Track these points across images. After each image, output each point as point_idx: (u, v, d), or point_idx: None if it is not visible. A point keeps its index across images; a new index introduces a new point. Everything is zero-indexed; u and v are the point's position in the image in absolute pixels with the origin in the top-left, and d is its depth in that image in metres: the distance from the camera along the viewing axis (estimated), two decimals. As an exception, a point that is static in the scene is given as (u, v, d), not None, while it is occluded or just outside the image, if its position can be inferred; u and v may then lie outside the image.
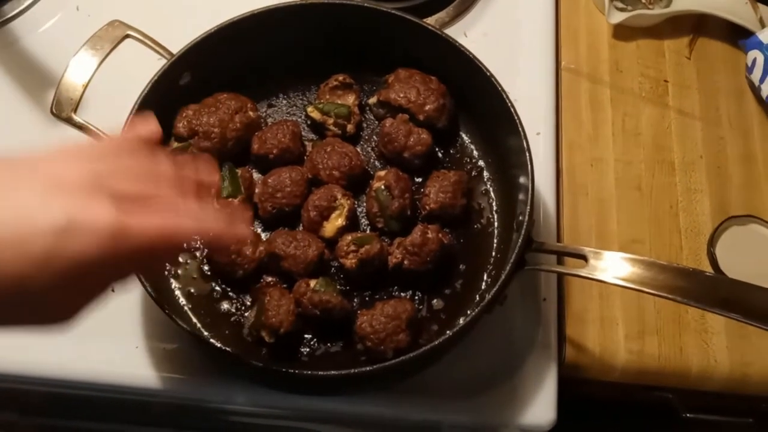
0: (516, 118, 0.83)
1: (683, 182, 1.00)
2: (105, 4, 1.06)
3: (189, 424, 1.00)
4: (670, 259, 0.93)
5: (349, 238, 0.83)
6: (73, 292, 0.53)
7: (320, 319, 0.80)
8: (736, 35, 1.08)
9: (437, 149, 0.93)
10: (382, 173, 0.88)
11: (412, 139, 0.89)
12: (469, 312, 0.83)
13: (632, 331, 0.90)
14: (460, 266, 0.87)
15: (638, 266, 0.73)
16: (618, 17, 1.08)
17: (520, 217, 0.81)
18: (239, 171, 0.88)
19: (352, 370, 0.74)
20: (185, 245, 0.57)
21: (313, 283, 0.81)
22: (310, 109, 0.94)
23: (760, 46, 1.03)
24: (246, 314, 0.84)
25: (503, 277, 0.77)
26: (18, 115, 1.00)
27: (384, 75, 0.94)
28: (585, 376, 0.91)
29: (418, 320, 0.83)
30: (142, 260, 0.55)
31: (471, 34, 1.08)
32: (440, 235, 0.84)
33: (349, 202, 0.86)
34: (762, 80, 1.03)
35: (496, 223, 0.90)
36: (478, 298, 0.85)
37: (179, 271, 0.86)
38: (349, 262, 0.83)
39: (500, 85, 0.86)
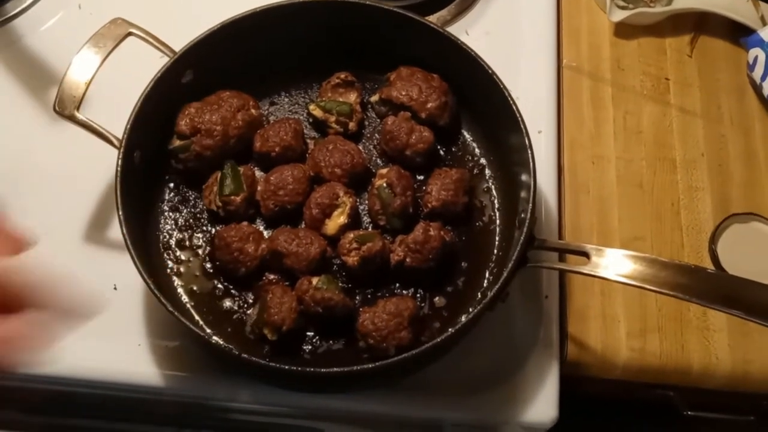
0: (518, 115, 0.83)
1: (685, 180, 1.00)
2: (106, 2, 1.05)
3: (191, 423, 1.00)
4: (671, 257, 0.93)
5: (351, 235, 0.83)
6: None
7: (322, 317, 0.80)
8: (738, 33, 1.09)
9: (439, 147, 0.93)
10: (384, 171, 0.88)
11: (414, 137, 0.89)
12: (471, 309, 0.83)
13: (634, 329, 0.90)
14: (462, 264, 0.87)
15: (640, 263, 0.74)
16: (619, 15, 1.08)
17: (522, 215, 0.81)
18: (241, 169, 0.88)
19: (355, 368, 0.74)
20: None
21: (315, 280, 0.81)
22: (312, 107, 0.94)
23: (761, 43, 1.03)
24: (248, 312, 0.84)
25: (505, 274, 0.77)
26: (20, 113, 1.00)
27: (386, 73, 0.94)
28: (587, 374, 0.91)
29: (420, 318, 0.83)
30: None
31: (472, 32, 1.08)
32: (442, 232, 0.84)
33: (351, 199, 0.86)
34: (763, 78, 1.03)
35: (497, 221, 0.90)
36: (480, 296, 0.85)
37: (182, 269, 0.86)
38: (351, 259, 0.83)
39: (502, 83, 0.86)
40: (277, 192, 0.87)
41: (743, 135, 1.04)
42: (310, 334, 0.83)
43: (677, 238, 0.96)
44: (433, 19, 1.06)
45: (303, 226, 0.87)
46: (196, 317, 0.84)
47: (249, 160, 0.91)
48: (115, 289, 0.89)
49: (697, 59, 1.09)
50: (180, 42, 0.88)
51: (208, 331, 0.83)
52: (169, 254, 0.87)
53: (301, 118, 0.95)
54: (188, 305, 0.85)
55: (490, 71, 0.87)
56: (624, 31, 1.10)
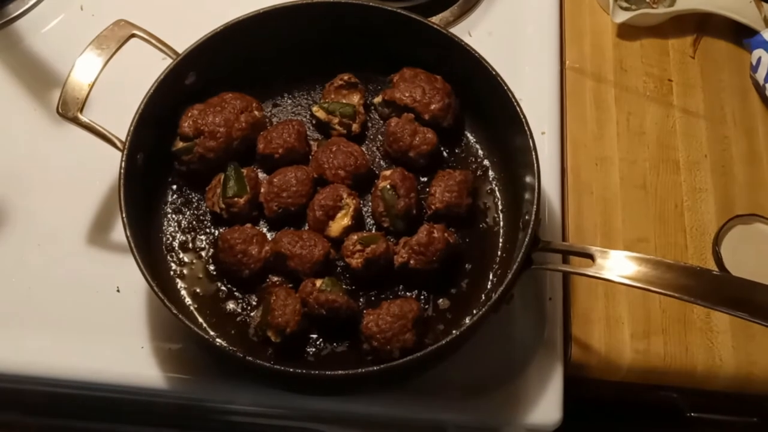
0: (522, 117, 0.83)
1: (688, 181, 1.00)
2: (108, 4, 1.06)
3: (193, 425, 1.00)
4: (675, 258, 0.93)
5: (355, 237, 0.83)
6: None
7: (326, 319, 0.80)
8: (741, 34, 1.09)
9: (442, 149, 0.93)
10: (387, 173, 0.88)
11: (417, 139, 0.89)
12: (475, 311, 0.83)
13: (638, 331, 0.90)
14: (466, 266, 0.87)
15: (645, 265, 0.73)
16: (622, 16, 1.08)
17: (527, 216, 0.81)
18: (245, 171, 0.88)
19: (359, 370, 0.74)
20: None
21: (319, 282, 0.81)
22: (315, 108, 0.94)
23: (764, 44, 1.03)
24: (252, 314, 0.84)
25: (510, 276, 0.77)
26: (23, 115, 1.00)
27: (389, 74, 0.94)
28: (590, 376, 0.91)
29: (425, 320, 0.83)
30: None
31: (475, 33, 1.08)
32: (446, 234, 0.84)
33: (354, 201, 0.86)
34: (767, 79, 1.03)
35: (501, 223, 0.90)
36: (484, 298, 0.85)
37: (185, 272, 0.86)
38: (355, 261, 0.83)
39: (506, 84, 0.86)
40: (281, 194, 0.87)
41: (746, 136, 1.04)
42: (313, 336, 0.83)
43: (681, 240, 0.96)
44: (435, 20, 1.06)
45: (306, 228, 0.87)
46: (200, 319, 0.84)
47: (252, 162, 0.91)
48: (118, 291, 0.89)
49: (700, 60, 1.09)
50: (183, 44, 0.88)
51: (212, 333, 0.83)
52: (172, 256, 0.87)
53: (305, 119, 0.95)
54: (191, 307, 0.84)
55: (493, 72, 0.87)
56: (627, 32, 1.10)
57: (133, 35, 0.87)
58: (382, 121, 0.95)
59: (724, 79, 1.08)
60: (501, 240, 0.89)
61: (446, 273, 0.85)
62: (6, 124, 1.00)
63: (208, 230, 0.89)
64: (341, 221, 0.86)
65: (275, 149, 0.89)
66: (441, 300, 0.85)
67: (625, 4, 1.09)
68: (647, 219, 0.97)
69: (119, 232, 0.80)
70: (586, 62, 1.07)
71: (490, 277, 0.87)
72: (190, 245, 0.88)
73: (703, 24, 1.11)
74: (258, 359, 0.74)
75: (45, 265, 0.90)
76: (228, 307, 0.84)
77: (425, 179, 0.91)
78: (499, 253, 0.88)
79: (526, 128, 0.83)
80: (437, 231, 0.83)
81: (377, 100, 0.95)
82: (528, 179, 0.83)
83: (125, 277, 0.86)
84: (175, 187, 0.91)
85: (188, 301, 0.85)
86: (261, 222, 0.89)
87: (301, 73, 0.97)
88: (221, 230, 0.87)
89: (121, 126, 0.83)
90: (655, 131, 1.03)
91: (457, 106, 0.93)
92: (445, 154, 0.93)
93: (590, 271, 0.76)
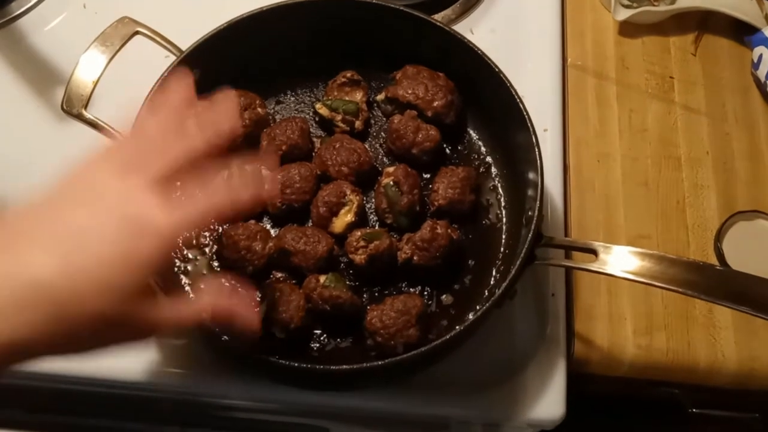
0: (525, 114, 0.84)
1: (690, 178, 1.00)
2: (111, 2, 1.05)
3: (196, 422, 1.00)
4: (677, 255, 0.92)
5: (359, 233, 0.84)
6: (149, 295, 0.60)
7: (330, 315, 0.81)
8: (742, 32, 1.09)
9: (445, 145, 0.93)
10: (390, 169, 0.88)
11: (420, 136, 0.89)
12: (478, 307, 0.83)
13: (640, 327, 0.90)
14: (469, 262, 0.87)
15: (648, 260, 0.74)
16: (624, 14, 1.08)
17: (530, 213, 0.81)
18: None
19: (364, 365, 0.74)
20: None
21: (322, 278, 0.81)
22: (318, 105, 0.94)
23: (765, 42, 1.03)
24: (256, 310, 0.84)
25: (513, 271, 0.77)
26: (26, 112, 1.00)
27: (392, 71, 0.94)
28: (593, 372, 0.91)
29: (428, 315, 0.83)
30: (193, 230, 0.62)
31: (477, 31, 1.08)
32: (449, 230, 0.84)
33: (358, 198, 0.86)
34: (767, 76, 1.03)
35: (504, 219, 0.90)
36: (487, 294, 0.85)
37: (189, 268, 0.86)
38: (359, 257, 0.83)
39: (509, 81, 0.86)
40: (284, 190, 0.87)
41: (748, 133, 1.04)
42: (317, 332, 0.83)
43: (683, 236, 0.96)
44: (438, 17, 1.07)
45: (310, 224, 0.87)
46: (204, 316, 0.84)
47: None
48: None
49: (701, 58, 1.09)
50: (186, 41, 0.88)
51: (216, 329, 0.83)
52: (176, 253, 0.87)
53: (308, 116, 0.95)
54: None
55: (496, 69, 0.87)
56: (628, 29, 1.10)
57: (136, 32, 0.87)
58: (385, 118, 0.95)
59: (726, 76, 1.08)
60: (504, 236, 0.89)
61: (449, 269, 0.86)
62: (10, 121, 1.00)
63: (211, 226, 0.89)
64: (345, 217, 0.86)
65: (279, 146, 0.89)
66: (444, 296, 0.86)
67: (626, 2, 1.09)
68: (649, 215, 0.97)
69: (123, 229, 0.80)
70: (587, 60, 1.08)
71: (493, 273, 0.87)
72: (194, 241, 0.88)
73: (704, 21, 1.11)
74: (262, 355, 0.75)
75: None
76: (232, 303, 0.85)
77: (428, 176, 0.91)
78: (502, 249, 0.89)
79: (529, 125, 0.83)
80: (440, 227, 0.83)
81: (380, 97, 0.95)
82: (531, 176, 0.83)
83: (129, 274, 0.86)
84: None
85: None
86: (265, 218, 0.89)
87: (304, 71, 0.97)
88: (225, 227, 0.87)
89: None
90: (656, 128, 1.03)
91: (460, 103, 0.93)
92: (447, 150, 0.94)
93: (593, 267, 0.76)
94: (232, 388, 0.85)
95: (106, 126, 0.84)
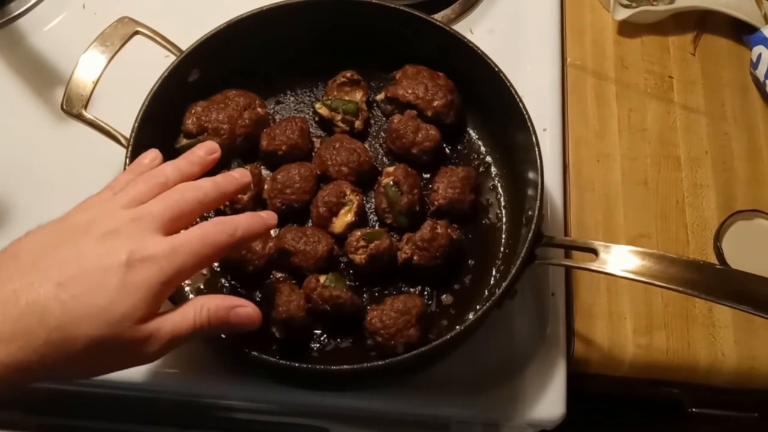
0: (525, 113, 0.84)
1: (689, 177, 1.00)
2: (111, 2, 1.05)
3: (195, 422, 1.00)
4: (677, 254, 0.93)
5: (359, 233, 0.84)
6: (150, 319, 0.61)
7: (330, 315, 0.80)
8: (741, 31, 1.09)
9: (445, 145, 0.93)
10: (390, 169, 0.88)
11: (420, 135, 0.89)
12: (478, 307, 0.83)
13: (640, 326, 0.91)
14: (469, 261, 0.87)
15: (648, 259, 0.74)
16: (623, 14, 1.08)
17: (530, 212, 0.81)
18: (248, 167, 0.88)
19: (364, 365, 0.74)
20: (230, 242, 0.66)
21: (322, 278, 0.81)
22: (318, 105, 0.94)
23: (764, 41, 1.03)
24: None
25: (514, 271, 0.77)
26: (26, 112, 1.00)
27: (391, 71, 0.94)
28: (593, 371, 0.91)
29: (428, 315, 0.83)
30: (194, 268, 0.63)
31: (477, 30, 1.08)
32: (449, 230, 0.84)
33: (358, 198, 0.86)
34: (767, 75, 1.03)
35: (504, 219, 0.90)
36: (487, 293, 0.85)
37: (189, 268, 0.86)
38: (359, 257, 0.83)
39: (509, 81, 0.86)
40: (284, 190, 0.87)
41: (747, 132, 1.04)
42: (317, 332, 0.83)
43: (682, 236, 0.96)
44: (438, 17, 1.07)
45: (310, 224, 0.87)
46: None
47: (255, 159, 0.91)
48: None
49: (700, 57, 1.09)
50: (186, 41, 0.88)
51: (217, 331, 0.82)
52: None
53: (307, 116, 0.95)
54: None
55: (496, 69, 0.87)
56: (627, 29, 1.10)
57: (136, 32, 0.87)
58: (384, 118, 0.95)
59: (725, 75, 1.08)
60: (504, 236, 0.89)
61: (449, 269, 0.86)
62: (10, 121, 1.00)
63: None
64: (345, 217, 0.86)
65: (278, 146, 0.89)
66: (444, 296, 0.86)
67: (625, 2, 1.10)
68: (649, 215, 0.97)
69: (124, 229, 0.80)
70: (587, 59, 1.08)
71: (493, 272, 0.87)
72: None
73: (703, 21, 1.12)
74: (262, 355, 0.75)
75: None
76: (231, 304, 0.84)
77: (428, 176, 0.91)
78: (502, 248, 0.89)
79: (529, 125, 0.83)
80: (440, 227, 0.83)
81: (380, 97, 0.95)
82: (531, 175, 0.83)
83: (129, 274, 0.86)
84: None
85: (192, 297, 0.85)
86: (265, 218, 0.89)
87: (304, 71, 0.97)
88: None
89: (125, 123, 0.83)
90: (656, 128, 1.03)
91: (460, 102, 0.93)
92: (447, 150, 0.94)
93: (593, 266, 0.76)
94: (232, 388, 0.85)
95: (106, 126, 0.84)
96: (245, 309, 0.66)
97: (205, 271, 0.86)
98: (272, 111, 0.96)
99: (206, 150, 0.72)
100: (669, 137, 1.03)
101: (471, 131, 0.95)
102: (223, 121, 0.88)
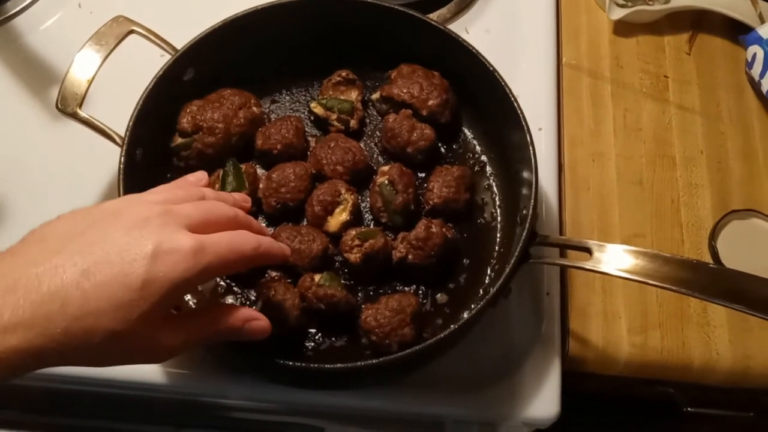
0: (519, 113, 0.84)
1: (684, 177, 1.00)
2: (106, 1, 1.05)
3: (191, 421, 1.00)
4: (671, 253, 0.93)
5: (354, 232, 0.84)
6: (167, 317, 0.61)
7: (325, 314, 0.81)
8: (736, 31, 1.09)
9: (440, 144, 0.93)
10: (385, 168, 0.88)
11: (415, 135, 0.89)
12: (473, 306, 0.83)
13: (635, 325, 0.91)
14: (464, 260, 0.88)
15: (642, 258, 0.74)
16: (618, 13, 1.08)
17: (524, 211, 0.81)
18: (243, 166, 0.88)
19: (359, 363, 0.74)
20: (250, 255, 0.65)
21: (317, 277, 0.81)
22: (313, 104, 0.94)
23: (759, 41, 1.03)
24: (253, 308, 0.84)
25: (508, 269, 0.77)
26: (22, 111, 1.00)
27: (387, 71, 0.94)
28: (588, 370, 0.91)
29: (423, 314, 0.83)
30: (217, 272, 0.62)
31: (472, 30, 1.08)
32: (444, 229, 0.84)
33: (353, 197, 0.86)
34: (762, 75, 1.03)
35: (499, 218, 0.90)
36: (482, 292, 0.85)
37: (184, 267, 0.86)
38: (354, 256, 0.83)
39: (503, 80, 0.86)
40: (279, 189, 0.87)
41: (742, 132, 1.04)
42: (312, 331, 0.83)
43: (677, 235, 0.97)
44: (433, 16, 1.07)
45: (305, 223, 0.87)
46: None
47: (251, 158, 0.91)
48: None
49: (695, 57, 1.10)
50: (181, 40, 0.88)
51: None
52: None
53: (303, 116, 0.95)
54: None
55: (491, 68, 0.87)
56: (623, 29, 1.10)
57: (131, 31, 0.87)
58: (380, 117, 0.95)
59: (720, 75, 1.09)
60: (499, 235, 0.89)
61: (444, 268, 0.86)
62: (5, 120, 1.00)
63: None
64: (339, 216, 0.86)
65: (273, 145, 0.89)
66: (439, 295, 0.86)
67: (621, 2, 1.10)
68: (644, 214, 0.97)
69: (118, 228, 0.80)
70: (582, 59, 1.08)
71: (488, 271, 0.87)
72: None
73: (698, 21, 1.12)
74: (257, 354, 0.75)
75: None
76: (227, 302, 0.85)
77: (423, 175, 0.91)
78: (496, 248, 0.89)
79: (524, 124, 0.83)
80: (435, 226, 0.83)
81: (375, 96, 0.95)
82: (525, 175, 0.83)
83: (124, 273, 0.86)
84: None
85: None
86: (260, 217, 0.89)
87: (299, 70, 0.97)
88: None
89: (119, 121, 0.83)
90: (651, 127, 1.04)
91: (455, 102, 0.93)
92: (442, 149, 0.94)
93: (588, 265, 0.76)
94: (227, 387, 0.85)
95: (100, 125, 0.84)
96: (259, 323, 0.67)
97: (200, 270, 0.86)
98: (267, 110, 0.96)
99: (239, 199, 0.75)
100: (664, 137, 1.03)
101: (466, 130, 0.95)
102: (218, 120, 0.88)
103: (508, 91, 0.85)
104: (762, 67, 1.03)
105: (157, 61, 0.87)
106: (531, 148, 0.82)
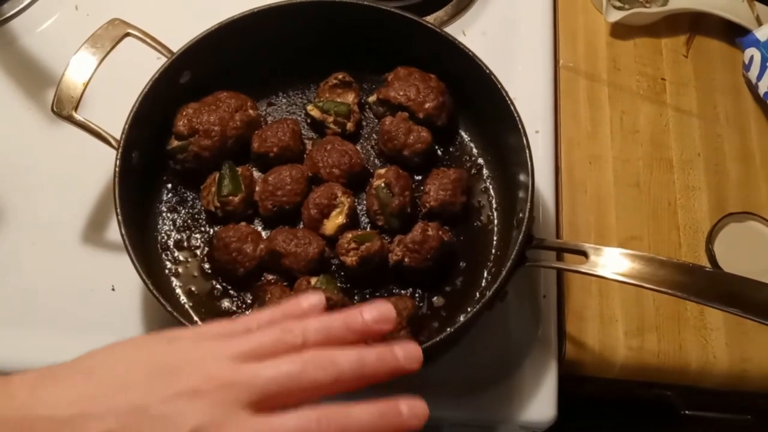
0: (516, 116, 0.84)
1: (681, 179, 1.00)
2: (103, 3, 1.06)
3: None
4: (668, 256, 0.93)
5: (350, 235, 0.83)
6: None
7: (321, 317, 0.80)
8: (733, 33, 1.09)
9: (437, 147, 0.93)
10: (382, 171, 0.88)
11: (411, 137, 0.89)
12: (469, 309, 0.83)
13: (632, 328, 0.90)
14: (461, 263, 0.87)
15: (638, 262, 0.74)
16: (616, 15, 1.08)
17: (520, 215, 0.81)
18: (239, 169, 0.88)
19: (354, 367, 0.74)
20: None
21: (314, 280, 0.81)
22: (309, 107, 0.94)
23: (756, 43, 1.03)
24: (247, 312, 0.84)
25: (504, 273, 0.77)
26: (18, 114, 1.00)
27: (383, 73, 0.94)
28: (585, 373, 0.91)
29: (419, 317, 0.83)
30: None
31: (469, 32, 1.08)
32: (440, 232, 0.84)
33: (349, 200, 0.86)
34: (759, 77, 1.03)
35: (495, 221, 0.90)
36: (478, 295, 0.85)
37: (180, 270, 0.86)
38: (350, 259, 0.83)
39: (500, 83, 0.86)
40: (276, 192, 0.87)
41: (739, 134, 1.04)
42: (308, 334, 0.83)
43: (674, 238, 0.96)
44: (430, 19, 1.07)
45: (301, 226, 0.87)
46: (195, 318, 0.84)
47: (247, 161, 0.91)
48: (113, 289, 0.88)
49: (692, 59, 1.10)
50: (177, 43, 0.88)
51: None
52: (167, 255, 0.87)
53: (299, 118, 0.95)
54: (187, 306, 0.84)
55: (487, 71, 0.87)
56: (620, 31, 1.10)
57: (127, 34, 0.87)
58: (376, 120, 0.95)
59: (717, 77, 1.08)
60: (495, 238, 0.89)
61: (441, 271, 0.86)
62: (0, 122, 1.00)
63: (203, 229, 0.89)
64: (336, 219, 0.86)
65: (270, 148, 0.89)
66: (435, 298, 0.86)
67: (618, 4, 1.10)
68: (641, 217, 0.97)
69: (114, 231, 0.80)
70: (579, 61, 1.08)
71: (485, 274, 0.87)
72: (185, 244, 0.88)
73: (695, 23, 1.12)
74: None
75: (39, 263, 0.90)
76: (223, 305, 0.84)
77: (419, 178, 0.91)
78: (493, 251, 0.89)
79: (520, 127, 0.83)
80: (431, 229, 0.83)
81: (372, 98, 0.95)
82: (522, 177, 0.83)
83: (120, 276, 0.86)
84: (170, 185, 0.91)
85: (183, 299, 0.85)
86: (256, 220, 0.89)
87: (296, 72, 0.97)
88: (216, 229, 0.87)
89: (115, 125, 0.83)
90: (648, 130, 1.03)
91: (452, 104, 0.93)
92: (439, 152, 0.94)
93: (584, 268, 0.76)
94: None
95: (96, 128, 0.84)
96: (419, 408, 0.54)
97: (195, 273, 0.86)
98: (264, 113, 0.96)
99: (375, 318, 0.55)
100: (661, 139, 1.03)
101: (463, 133, 0.95)
102: (214, 123, 0.88)
103: (504, 94, 0.85)
104: (759, 69, 1.03)
105: (153, 63, 0.87)
106: (527, 151, 0.82)
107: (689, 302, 0.89)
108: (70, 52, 0.85)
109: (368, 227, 0.89)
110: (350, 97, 0.94)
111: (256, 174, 0.90)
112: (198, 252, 0.87)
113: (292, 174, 0.87)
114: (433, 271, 0.84)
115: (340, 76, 0.94)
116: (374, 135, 0.94)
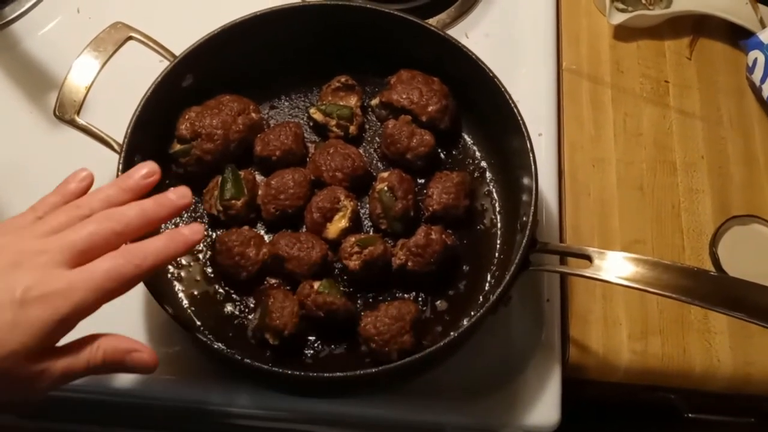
0: (519, 119, 0.83)
1: (685, 182, 1.00)
2: (105, 7, 1.06)
3: (191, 429, 1.00)
4: (672, 260, 0.92)
5: (353, 239, 0.83)
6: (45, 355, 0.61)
7: (324, 321, 0.80)
8: (737, 35, 1.09)
9: (440, 150, 0.93)
10: (385, 175, 0.88)
11: (414, 141, 0.89)
12: (473, 313, 0.83)
13: (635, 332, 0.90)
14: (464, 267, 0.87)
15: (642, 266, 0.73)
16: (619, 18, 1.08)
17: (524, 218, 0.81)
18: (242, 173, 0.88)
19: (358, 372, 0.74)
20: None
21: (316, 284, 0.81)
22: (312, 110, 0.94)
23: (760, 46, 1.03)
24: (250, 316, 0.84)
25: (508, 277, 0.77)
26: (20, 117, 1.00)
27: (386, 76, 0.94)
28: (588, 377, 0.91)
29: (422, 321, 0.83)
30: (95, 304, 0.61)
31: (472, 35, 1.08)
32: (443, 236, 0.84)
33: (352, 203, 0.86)
34: (763, 80, 1.03)
35: (499, 224, 0.90)
36: (481, 299, 0.85)
37: (182, 274, 0.86)
38: (353, 263, 0.82)
39: (503, 86, 0.86)
40: (278, 196, 0.86)
41: (743, 137, 1.04)
42: (311, 338, 0.83)
43: (678, 241, 0.96)
44: (433, 22, 1.06)
45: (304, 230, 0.87)
46: (197, 322, 0.83)
47: (250, 164, 0.91)
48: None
49: (696, 62, 1.09)
50: (180, 46, 0.88)
51: (210, 336, 0.82)
52: (169, 259, 0.87)
53: (302, 121, 0.95)
54: (189, 310, 0.84)
55: (491, 74, 0.87)
56: (623, 33, 1.10)
57: (130, 38, 0.87)
58: (379, 123, 0.95)
59: (721, 80, 1.08)
60: (499, 242, 0.89)
61: (444, 275, 0.85)
62: (2, 126, 1.00)
63: (205, 232, 0.88)
64: (339, 223, 0.86)
65: (272, 151, 0.89)
66: (439, 302, 0.85)
67: (621, 6, 1.10)
68: (644, 220, 0.97)
69: (116, 235, 0.79)
70: (582, 64, 1.08)
71: (488, 278, 0.87)
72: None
73: (699, 25, 1.11)
74: (256, 361, 0.74)
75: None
76: (226, 309, 0.84)
77: (423, 181, 0.91)
78: (496, 254, 0.88)
79: (523, 130, 0.83)
80: (435, 233, 0.83)
81: (374, 102, 0.95)
82: (525, 181, 0.83)
83: (122, 280, 0.86)
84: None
85: (186, 303, 0.85)
86: (258, 224, 0.89)
87: (299, 76, 0.96)
88: (219, 232, 0.87)
89: (118, 128, 0.83)
90: (651, 132, 1.03)
91: (455, 107, 0.93)
92: (442, 155, 0.93)
93: (588, 272, 0.76)
94: (227, 395, 0.85)
95: (98, 132, 0.84)
96: (141, 355, 0.66)
97: (198, 277, 0.86)
98: (266, 116, 0.95)
99: (143, 174, 0.69)
100: (665, 142, 1.03)
101: (466, 136, 0.95)
102: (216, 127, 0.87)
103: (507, 97, 0.85)
104: (763, 71, 1.03)
105: (155, 67, 0.87)
106: (531, 154, 0.82)
107: (693, 306, 0.89)
108: (72, 55, 0.85)
109: (371, 231, 0.88)
110: (353, 101, 0.94)
111: (259, 177, 0.90)
112: (200, 256, 0.87)
113: (295, 177, 0.87)
114: (436, 275, 0.84)
115: (342, 79, 0.94)
116: (377, 138, 0.94)
